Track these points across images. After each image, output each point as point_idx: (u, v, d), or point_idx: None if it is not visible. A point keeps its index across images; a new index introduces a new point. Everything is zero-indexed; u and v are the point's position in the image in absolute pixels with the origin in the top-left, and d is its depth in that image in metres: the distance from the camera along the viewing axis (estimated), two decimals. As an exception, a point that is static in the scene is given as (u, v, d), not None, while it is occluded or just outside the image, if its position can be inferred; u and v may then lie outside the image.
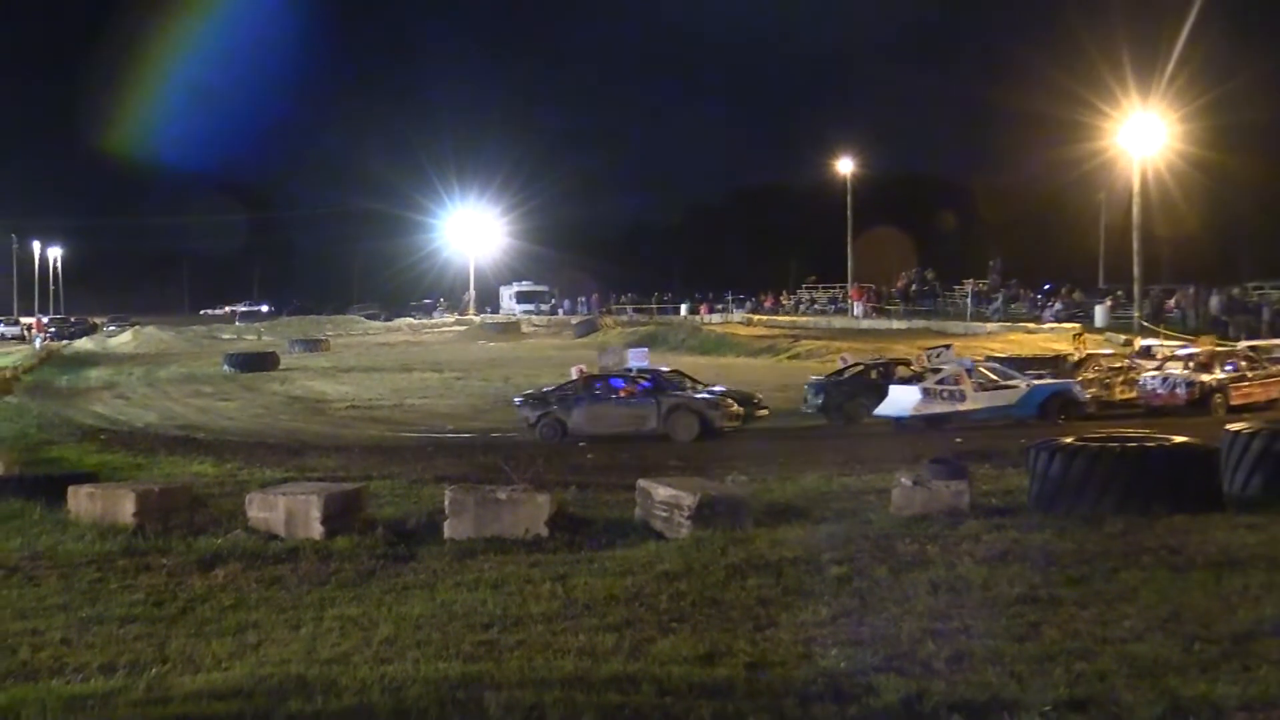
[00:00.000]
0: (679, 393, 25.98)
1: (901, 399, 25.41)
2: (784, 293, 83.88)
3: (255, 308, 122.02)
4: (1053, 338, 44.39)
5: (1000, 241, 74.11)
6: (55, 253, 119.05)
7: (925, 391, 25.13)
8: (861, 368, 29.22)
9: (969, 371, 25.61)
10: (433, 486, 15.73)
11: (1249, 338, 35.06)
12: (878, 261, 76.49)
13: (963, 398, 25.02)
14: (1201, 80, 50.11)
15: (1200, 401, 25.80)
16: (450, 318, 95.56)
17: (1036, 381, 25.92)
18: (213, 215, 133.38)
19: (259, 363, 49.69)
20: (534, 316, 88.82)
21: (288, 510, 11.86)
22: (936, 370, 26.31)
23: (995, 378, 25.74)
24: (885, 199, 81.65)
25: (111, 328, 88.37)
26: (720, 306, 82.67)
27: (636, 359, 30.61)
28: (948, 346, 30.89)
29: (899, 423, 24.98)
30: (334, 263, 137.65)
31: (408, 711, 6.31)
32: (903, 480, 11.98)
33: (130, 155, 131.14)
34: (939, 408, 24.97)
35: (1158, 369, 27.57)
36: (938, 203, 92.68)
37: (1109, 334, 44.72)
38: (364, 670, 7.10)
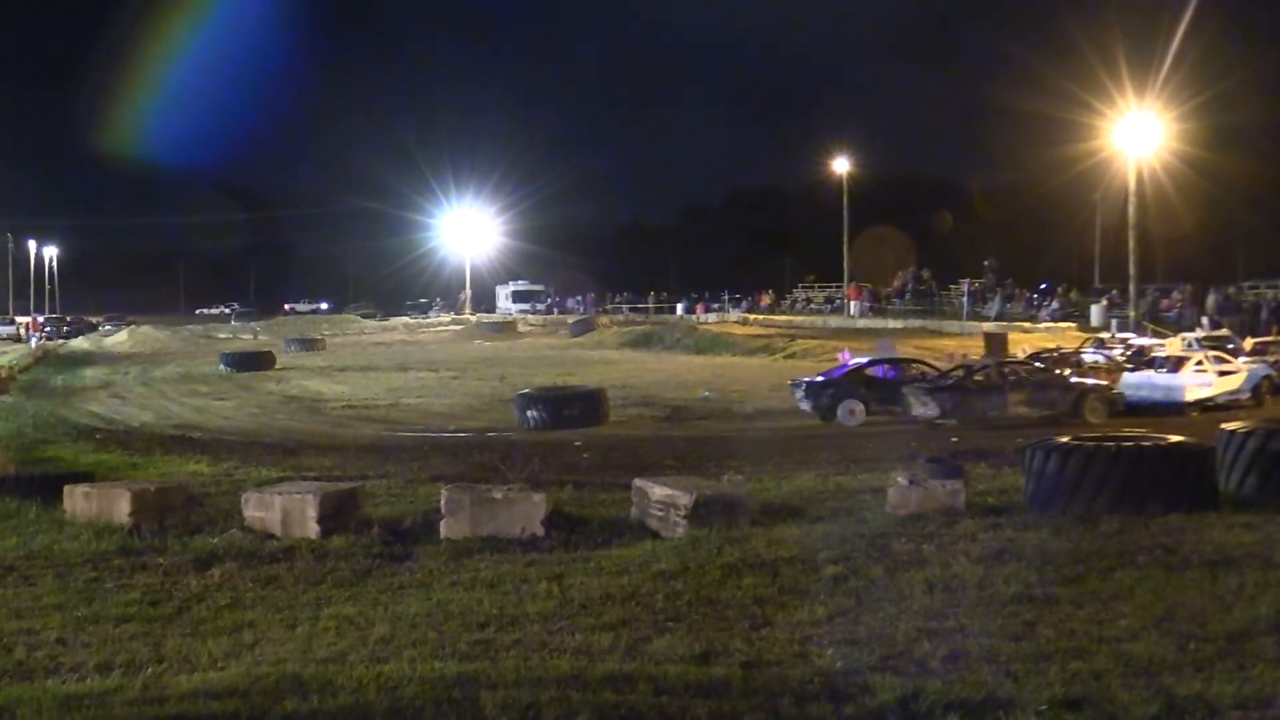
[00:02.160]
0: (1082, 380, 27.16)
1: (1164, 383, 26.30)
2: (769, 291, 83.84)
3: (317, 305, 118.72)
4: (1048, 337, 44.44)
5: (996, 241, 74.19)
6: (51, 252, 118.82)
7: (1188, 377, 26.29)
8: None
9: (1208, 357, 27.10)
10: (429, 486, 15.72)
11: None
12: (874, 261, 76.55)
13: (1210, 383, 26.16)
14: (1197, 80, 50.22)
15: None
16: (446, 317, 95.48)
17: (1248, 366, 27.52)
18: (208, 215, 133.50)
19: (255, 362, 49.62)
20: (530, 316, 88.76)
21: (284, 509, 11.85)
22: (1163, 358, 28.00)
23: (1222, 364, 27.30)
24: (881, 199, 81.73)
25: (107, 327, 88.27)
26: (716, 306, 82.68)
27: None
28: (1193, 334, 32.94)
29: (1129, 404, 25.76)
30: (330, 262, 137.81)
31: (403, 711, 6.32)
32: (899, 479, 11.99)
33: (126, 155, 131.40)
34: (1200, 393, 25.96)
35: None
36: (934, 202, 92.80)
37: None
38: (360, 669, 7.10)
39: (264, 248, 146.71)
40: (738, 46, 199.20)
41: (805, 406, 26.90)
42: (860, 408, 26.22)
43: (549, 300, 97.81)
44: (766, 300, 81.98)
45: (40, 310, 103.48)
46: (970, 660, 6.96)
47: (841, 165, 74.52)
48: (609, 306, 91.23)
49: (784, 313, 76.00)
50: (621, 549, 10.74)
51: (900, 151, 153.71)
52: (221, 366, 49.22)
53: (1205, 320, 43.28)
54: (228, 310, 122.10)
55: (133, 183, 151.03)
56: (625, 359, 50.05)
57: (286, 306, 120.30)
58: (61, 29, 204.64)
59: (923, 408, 25.18)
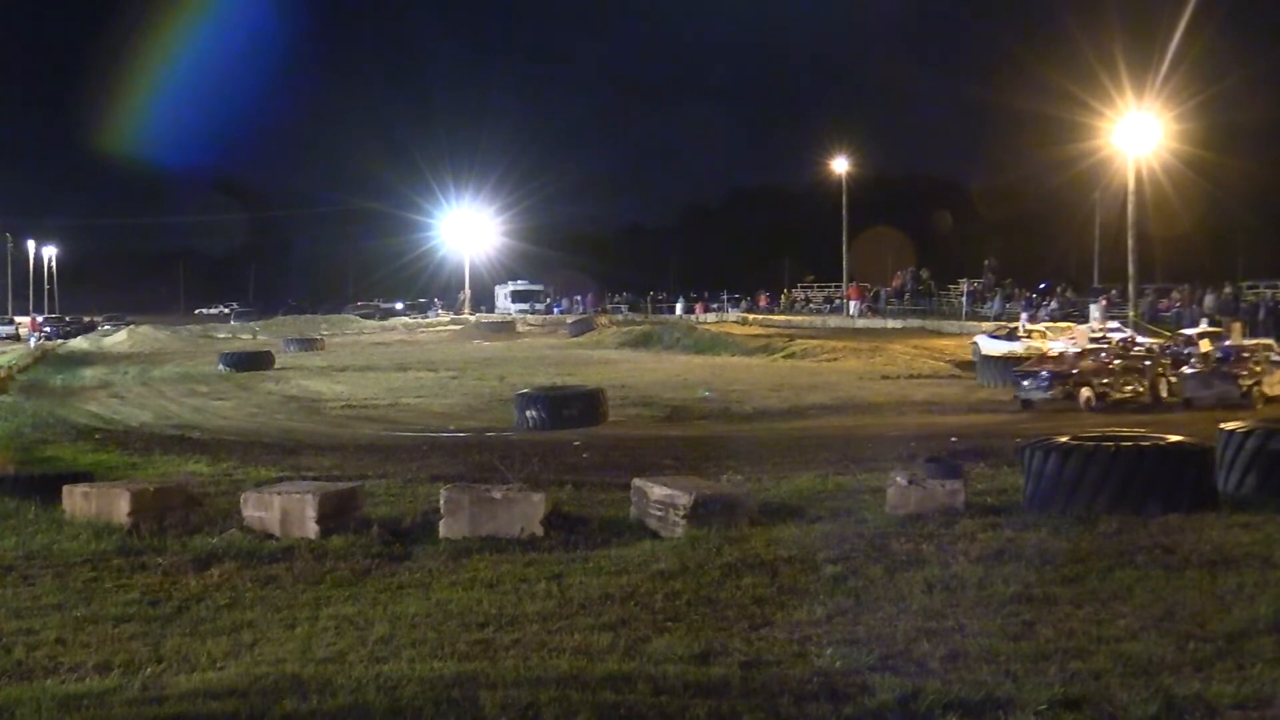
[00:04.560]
0: None
1: None
2: (778, 292, 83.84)
3: (391, 305, 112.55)
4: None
5: (996, 241, 74.23)
6: (50, 252, 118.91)
7: None
8: None
9: None
10: (428, 485, 15.70)
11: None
12: (874, 261, 76.61)
13: None
14: (1195, 80, 50.35)
15: None
16: (445, 316, 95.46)
17: None
18: (208, 215, 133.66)
19: (254, 362, 49.56)
20: (529, 316, 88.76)
21: (283, 509, 11.85)
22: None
23: None
24: (881, 199, 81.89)
25: (106, 327, 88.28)
26: (716, 306, 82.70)
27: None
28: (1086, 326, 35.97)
29: None
30: (330, 262, 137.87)
31: (403, 711, 6.31)
32: (898, 479, 11.98)
33: (126, 155, 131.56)
34: None
35: None
36: (934, 202, 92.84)
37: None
38: (359, 669, 7.10)
39: (263, 248, 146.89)
40: (737, 46, 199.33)
41: (1040, 395, 28.16)
42: (1092, 394, 27.86)
43: (548, 300, 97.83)
44: (765, 300, 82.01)
45: (40, 310, 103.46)
46: (969, 660, 6.96)
47: (841, 165, 74.54)
48: (608, 306, 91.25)
49: (783, 312, 76.03)
50: (621, 549, 10.73)
51: (900, 151, 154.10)
52: (220, 366, 49.14)
53: (1098, 313, 44.49)
54: (227, 310, 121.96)
55: (132, 183, 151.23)
56: (624, 359, 50.04)
57: (359, 303, 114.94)
58: (61, 28, 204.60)
59: (1226, 385, 27.37)
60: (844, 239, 72.71)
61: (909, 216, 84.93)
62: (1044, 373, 28.57)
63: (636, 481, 12.65)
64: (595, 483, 16.19)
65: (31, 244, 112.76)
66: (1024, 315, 48.30)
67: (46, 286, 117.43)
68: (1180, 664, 6.82)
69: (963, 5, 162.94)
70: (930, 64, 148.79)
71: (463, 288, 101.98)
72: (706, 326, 65.87)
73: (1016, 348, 37.76)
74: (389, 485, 16.45)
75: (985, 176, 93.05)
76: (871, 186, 79.10)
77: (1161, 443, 12.04)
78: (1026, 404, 28.12)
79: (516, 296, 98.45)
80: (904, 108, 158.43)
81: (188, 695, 6.70)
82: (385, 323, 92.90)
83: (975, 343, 42.10)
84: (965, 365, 39.67)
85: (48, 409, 34.13)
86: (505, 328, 78.13)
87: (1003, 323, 47.60)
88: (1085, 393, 27.70)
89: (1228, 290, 49.20)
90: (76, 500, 12.86)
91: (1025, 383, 28.62)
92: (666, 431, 26.39)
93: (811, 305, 78.30)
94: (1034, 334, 40.51)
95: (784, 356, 46.57)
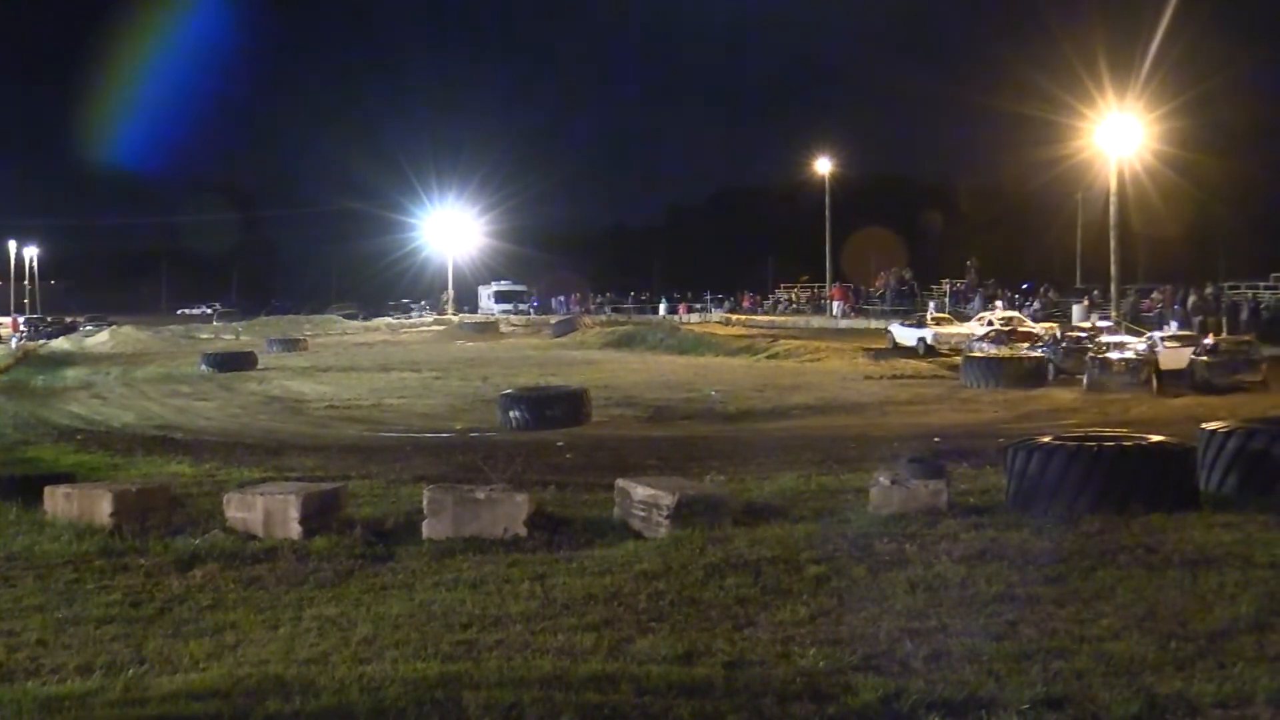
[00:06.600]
0: None
1: None
2: (751, 294, 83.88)
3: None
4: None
5: (979, 241, 74.45)
6: (31, 252, 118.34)
7: None
8: None
9: None
10: (411, 486, 15.67)
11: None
12: (859, 261, 76.76)
13: None
14: (1177, 81, 50.57)
15: None
16: (429, 317, 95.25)
17: None
18: (191, 215, 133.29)
19: (237, 362, 49.42)
20: (512, 316, 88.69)
21: (266, 510, 11.81)
22: None
23: None
24: (866, 199, 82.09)
25: (89, 327, 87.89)
26: (699, 306, 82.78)
27: None
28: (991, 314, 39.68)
29: None
30: (313, 262, 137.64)
31: (386, 711, 6.30)
32: (881, 479, 11.98)
33: (109, 156, 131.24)
34: None
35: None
36: (919, 203, 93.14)
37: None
38: (342, 670, 7.09)
39: (247, 248, 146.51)
40: (723, 46, 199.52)
41: (1126, 380, 30.52)
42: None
43: (531, 300, 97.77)
44: (749, 301, 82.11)
45: (21, 311, 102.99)
46: (952, 660, 6.96)
47: (824, 166, 74.63)
48: (591, 306, 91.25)
49: (766, 313, 76.12)
50: (604, 549, 10.72)
51: (885, 152, 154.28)
52: (203, 367, 48.98)
53: (1000, 304, 51.37)
54: (210, 310, 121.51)
55: (115, 183, 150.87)
56: (608, 359, 50.03)
57: (403, 300, 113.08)
58: (44, 28, 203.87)
59: (1252, 372, 29.81)
60: (827, 240, 72.81)
61: (894, 217, 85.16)
62: (1134, 361, 31.03)
63: (620, 482, 12.64)
64: (579, 483, 16.18)
65: (13, 244, 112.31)
66: (931, 305, 55.23)
67: (28, 287, 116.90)
68: (1162, 663, 6.84)
69: (947, 7, 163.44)
70: (915, 65, 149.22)
71: (446, 288, 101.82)
72: (690, 327, 65.83)
73: (925, 334, 45.08)
74: (372, 486, 16.43)
75: (969, 177, 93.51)
76: (856, 187, 79.26)
77: (1143, 443, 12.06)
78: (1093, 386, 30.69)
79: (500, 297, 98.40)
80: (889, 109, 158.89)
81: (170, 697, 6.68)
82: (368, 323, 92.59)
83: (890, 330, 48.46)
84: (880, 353, 43.88)
85: (29, 410, 34.02)
86: (489, 328, 78.06)
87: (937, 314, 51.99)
88: (1156, 379, 30.11)
89: (1209, 290, 49.40)
90: (58, 501, 12.80)
91: (1111, 368, 31.23)
92: (650, 432, 26.38)
93: (794, 306, 78.42)
94: (941, 320, 47.72)
95: (767, 357, 46.62)
